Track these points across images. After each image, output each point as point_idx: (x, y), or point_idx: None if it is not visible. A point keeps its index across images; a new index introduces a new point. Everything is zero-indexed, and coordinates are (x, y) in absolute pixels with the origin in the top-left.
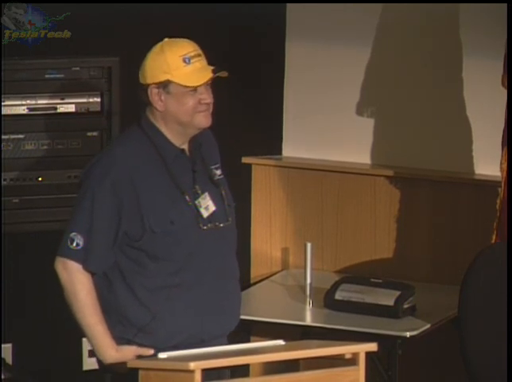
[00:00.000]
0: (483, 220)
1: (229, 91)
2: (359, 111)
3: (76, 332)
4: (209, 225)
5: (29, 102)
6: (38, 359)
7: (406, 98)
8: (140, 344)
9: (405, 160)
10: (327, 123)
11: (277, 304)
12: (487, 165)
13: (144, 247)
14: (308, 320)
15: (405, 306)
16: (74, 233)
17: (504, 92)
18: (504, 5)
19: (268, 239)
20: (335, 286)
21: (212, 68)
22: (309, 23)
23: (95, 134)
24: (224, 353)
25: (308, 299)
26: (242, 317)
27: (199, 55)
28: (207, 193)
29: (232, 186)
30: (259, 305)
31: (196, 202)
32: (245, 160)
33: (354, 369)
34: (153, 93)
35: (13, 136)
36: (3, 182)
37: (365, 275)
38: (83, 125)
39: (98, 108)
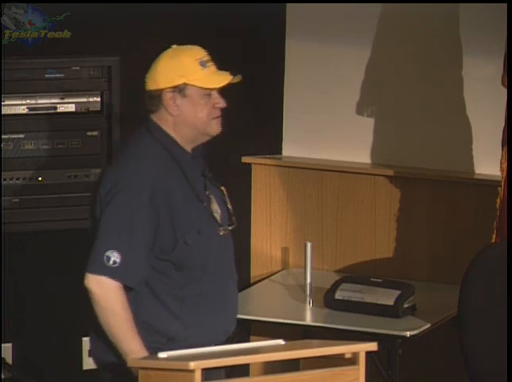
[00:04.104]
0: (483, 219)
1: (229, 91)
2: (359, 111)
3: (76, 332)
4: (222, 230)
5: (29, 101)
6: (38, 359)
7: (406, 97)
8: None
9: (405, 160)
10: (327, 123)
11: (277, 303)
12: (487, 164)
13: (173, 259)
14: (308, 319)
15: (405, 306)
16: (110, 250)
17: (504, 92)
18: (504, 5)
19: (268, 238)
20: (335, 286)
21: (226, 72)
22: (309, 23)
23: (94, 133)
24: (224, 353)
25: (308, 299)
26: (242, 316)
27: (211, 60)
28: (213, 197)
29: (232, 186)
30: (259, 305)
31: (211, 208)
32: (245, 160)
33: (354, 369)
34: (168, 97)
35: (13, 136)
36: (3, 182)
37: (365, 275)
38: (83, 125)
39: (98, 108)
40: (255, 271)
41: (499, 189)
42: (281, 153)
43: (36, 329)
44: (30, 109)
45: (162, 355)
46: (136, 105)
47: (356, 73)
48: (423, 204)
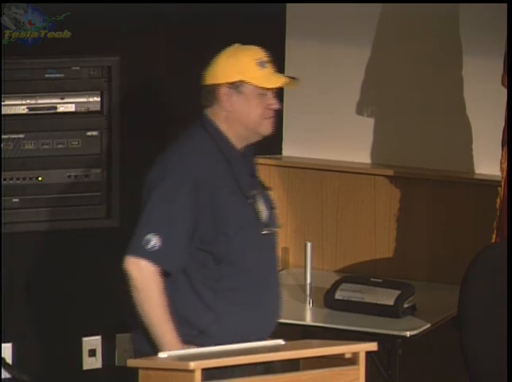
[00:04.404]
0: (483, 219)
1: None
2: (359, 111)
3: (76, 332)
4: (266, 230)
5: (29, 101)
6: (38, 359)
7: (406, 97)
8: (200, 346)
9: (405, 160)
10: (327, 123)
11: None
12: (487, 164)
13: (213, 250)
14: (308, 319)
15: (405, 306)
16: (151, 234)
17: (504, 92)
18: (504, 5)
19: None
20: (335, 286)
21: (283, 75)
22: (309, 23)
23: (94, 133)
24: (224, 353)
25: (308, 299)
26: None
27: (270, 62)
28: (259, 197)
29: None
30: None
31: (256, 207)
32: None
33: (354, 369)
34: (223, 93)
35: (13, 136)
36: (3, 182)
37: (365, 275)
38: (83, 124)
39: (98, 108)
40: None
41: (499, 189)
42: (281, 153)
43: (36, 329)
44: (30, 109)
45: (162, 355)
46: (135, 104)
47: (356, 73)
48: (423, 204)
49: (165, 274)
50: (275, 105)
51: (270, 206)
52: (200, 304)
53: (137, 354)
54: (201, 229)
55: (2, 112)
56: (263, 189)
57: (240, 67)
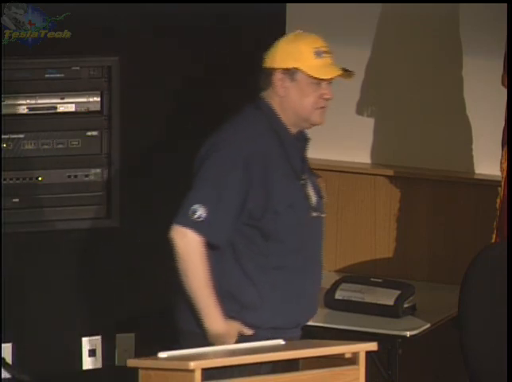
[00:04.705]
0: (483, 219)
1: (229, 91)
2: (359, 111)
3: (76, 332)
4: (315, 214)
5: (29, 101)
6: (38, 359)
7: (406, 97)
8: (243, 321)
9: (405, 160)
10: (327, 123)
11: None
12: (487, 164)
13: (261, 227)
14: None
15: (405, 306)
16: (198, 204)
17: (504, 92)
18: (504, 5)
19: None
20: (335, 286)
21: (341, 67)
22: (309, 23)
23: (94, 133)
24: (224, 353)
25: None
26: None
27: (329, 52)
28: (309, 182)
29: None
30: None
31: (306, 190)
32: None
33: (354, 369)
34: (278, 78)
35: (13, 136)
36: (3, 182)
37: (365, 275)
38: (83, 124)
39: (98, 108)
40: None
41: (499, 188)
42: None
43: (36, 329)
44: (30, 109)
45: (162, 355)
46: (136, 105)
47: (356, 73)
48: (423, 204)
49: (211, 248)
50: (328, 95)
51: (319, 193)
52: (245, 279)
53: (182, 333)
54: (250, 205)
55: (2, 112)
56: (313, 175)
57: (297, 54)
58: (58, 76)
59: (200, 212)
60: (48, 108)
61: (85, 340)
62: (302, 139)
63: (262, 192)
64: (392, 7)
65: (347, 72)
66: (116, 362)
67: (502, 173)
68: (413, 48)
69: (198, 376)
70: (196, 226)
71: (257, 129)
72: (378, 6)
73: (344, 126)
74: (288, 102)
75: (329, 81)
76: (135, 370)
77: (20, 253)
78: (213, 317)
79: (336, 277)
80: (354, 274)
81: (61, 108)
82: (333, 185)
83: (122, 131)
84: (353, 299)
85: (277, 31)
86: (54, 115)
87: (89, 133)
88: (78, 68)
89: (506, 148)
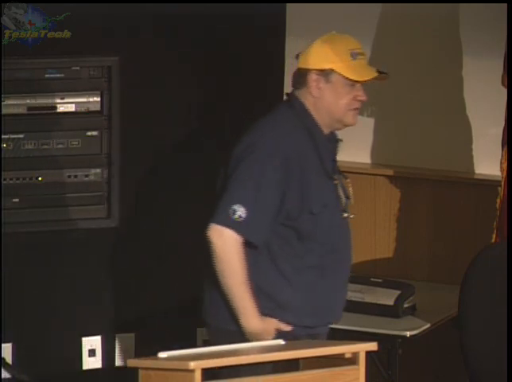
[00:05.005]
0: (483, 219)
1: (229, 91)
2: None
3: (76, 332)
4: (345, 215)
5: (28, 101)
6: (38, 359)
7: (406, 97)
8: (278, 319)
9: (405, 160)
10: None
11: None
12: (487, 164)
13: (297, 227)
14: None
15: (405, 306)
16: (237, 205)
17: (504, 92)
18: (504, 5)
19: None
20: None
21: (375, 69)
22: (309, 23)
23: (94, 133)
24: (224, 353)
25: None
26: None
27: (364, 54)
28: (339, 183)
29: None
30: None
31: (337, 190)
32: None
33: (354, 369)
34: (312, 79)
35: (13, 136)
36: (3, 182)
37: (365, 275)
38: (83, 124)
39: (98, 108)
40: None
41: (499, 188)
42: None
43: (36, 329)
44: (30, 109)
45: (162, 355)
46: (136, 105)
47: None
48: (423, 204)
49: (248, 247)
50: (362, 97)
51: (346, 194)
52: (280, 279)
53: (213, 330)
54: (288, 205)
55: (2, 112)
56: (341, 176)
57: (332, 56)
58: (58, 75)
59: (240, 212)
60: (48, 108)
61: (85, 340)
62: (333, 140)
63: (299, 193)
64: (392, 7)
65: (381, 74)
66: (116, 362)
67: (502, 173)
68: (413, 48)
69: (198, 376)
70: (235, 225)
71: (292, 129)
72: (378, 6)
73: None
74: (322, 103)
75: (363, 83)
76: (135, 370)
77: (20, 253)
78: (250, 315)
79: None
80: (354, 274)
81: (61, 108)
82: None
83: (122, 131)
84: (353, 299)
85: (277, 31)
86: (54, 115)
87: (89, 133)
88: (78, 68)
89: (506, 148)
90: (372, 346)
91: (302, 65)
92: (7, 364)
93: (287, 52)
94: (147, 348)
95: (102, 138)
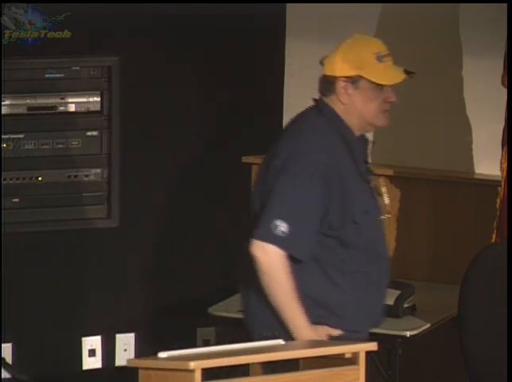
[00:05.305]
0: (483, 219)
1: (229, 91)
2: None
3: (76, 332)
4: (382, 216)
5: (28, 101)
6: (38, 359)
7: (406, 97)
8: (330, 325)
9: (405, 160)
10: None
11: None
12: (487, 164)
13: (341, 236)
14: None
15: (405, 306)
16: (279, 220)
17: (504, 92)
18: (504, 5)
19: None
20: None
21: (402, 68)
22: (309, 23)
23: (94, 133)
24: (224, 353)
25: None
26: (242, 316)
27: (389, 54)
28: (374, 185)
29: (232, 186)
30: None
31: (373, 192)
32: (245, 159)
33: (354, 369)
34: (340, 86)
35: (13, 136)
36: (3, 182)
37: None
38: (83, 124)
39: (98, 108)
40: None
41: (499, 188)
42: None
43: (36, 329)
44: (30, 109)
45: (162, 355)
46: (135, 105)
47: None
48: (423, 204)
49: (293, 260)
50: (392, 98)
51: (378, 193)
52: (328, 284)
53: (257, 337)
54: (330, 216)
55: (2, 112)
56: (374, 175)
57: (358, 62)
58: (58, 75)
59: (282, 227)
60: (48, 108)
61: (85, 340)
62: (364, 141)
63: (340, 203)
64: (392, 7)
65: (409, 74)
66: (116, 362)
67: (502, 173)
68: (412, 48)
69: (198, 376)
70: (278, 241)
71: (327, 138)
72: (378, 6)
73: None
74: (352, 108)
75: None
76: (135, 370)
77: (20, 253)
78: (302, 326)
79: None
80: None
81: (61, 108)
82: None
83: (122, 131)
84: None
85: (277, 31)
86: (54, 115)
87: (89, 133)
88: (78, 68)
89: (506, 148)
90: (372, 346)
91: (328, 73)
92: (7, 364)
93: (287, 52)
94: (147, 348)
95: (102, 138)
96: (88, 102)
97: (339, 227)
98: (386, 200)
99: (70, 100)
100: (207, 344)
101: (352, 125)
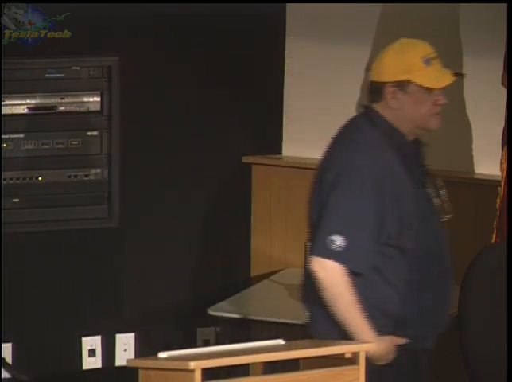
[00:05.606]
0: (483, 219)
1: (229, 91)
2: (359, 111)
3: (76, 331)
4: (442, 219)
5: (28, 101)
6: (38, 359)
7: None
8: (397, 336)
9: None
10: (327, 122)
11: (276, 303)
12: (487, 164)
13: (399, 244)
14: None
15: None
16: (334, 234)
17: (504, 92)
18: (504, 5)
19: (268, 238)
20: None
21: (450, 70)
22: (309, 23)
23: (94, 133)
24: (224, 353)
25: None
26: (242, 316)
27: (437, 57)
28: (432, 187)
29: (232, 185)
30: (259, 305)
31: (430, 195)
32: (245, 159)
33: (354, 369)
34: (389, 91)
35: (13, 135)
36: (3, 182)
37: None
38: (83, 124)
39: (98, 108)
40: (255, 271)
41: (499, 188)
42: (280, 153)
43: (36, 329)
44: (30, 109)
45: (162, 355)
46: (135, 105)
47: (356, 73)
48: None
49: (354, 273)
50: (442, 101)
51: (439, 194)
52: (395, 295)
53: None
54: (387, 226)
55: (2, 112)
56: (431, 177)
57: (406, 66)
58: (58, 76)
59: (339, 241)
60: (48, 108)
61: (85, 340)
62: (418, 145)
63: (395, 211)
64: (392, 7)
65: (458, 76)
66: (116, 362)
67: (502, 173)
68: None
69: (198, 376)
70: (337, 256)
71: (377, 146)
72: (378, 6)
73: None
74: (402, 113)
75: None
76: (135, 370)
77: (20, 253)
78: (368, 339)
79: None
80: None
81: (61, 108)
82: None
83: (122, 131)
84: None
85: (277, 31)
86: (54, 115)
87: (89, 133)
88: (78, 68)
89: (506, 148)
90: (371, 346)
91: (376, 79)
92: (7, 364)
93: (287, 52)
94: (147, 348)
95: (102, 138)
96: (88, 102)
97: (396, 235)
98: (445, 200)
99: (70, 100)
100: (207, 344)
101: (404, 130)
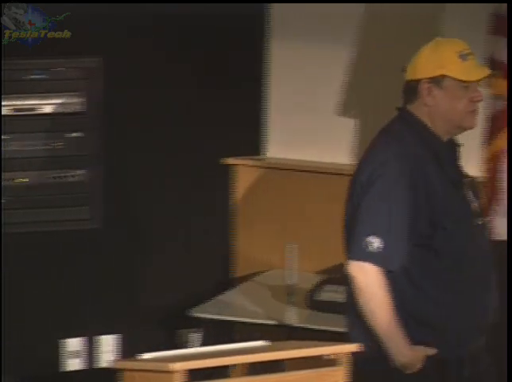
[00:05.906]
0: None
1: (213, 92)
2: (345, 112)
3: (60, 333)
4: (479, 221)
5: (13, 103)
6: (20, 360)
7: (392, 97)
8: (426, 343)
9: None
10: (311, 124)
11: (260, 305)
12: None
13: (432, 245)
14: (293, 321)
15: None
16: (372, 236)
17: (485, 93)
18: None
19: (251, 239)
20: (319, 287)
21: (486, 66)
22: (293, 23)
23: (79, 134)
24: (208, 354)
25: (292, 300)
26: (226, 318)
27: (472, 53)
28: (468, 188)
29: (215, 187)
30: (242, 306)
31: (467, 197)
32: (228, 161)
33: (338, 370)
34: (424, 88)
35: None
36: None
37: None
38: (68, 125)
39: (83, 109)
40: (239, 272)
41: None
42: (264, 154)
43: (19, 330)
44: (14, 110)
45: (146, 356)
46: (118, 106)
47: (341, 74)
48: None
49: (387, 274)
50: (479, 97)
51: (477, 196)
52: (427, 300)
53: (361, 357)
54: (420, 226)
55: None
56: (468, 178)
57: (441, 61)
58: (42, 77)
59: (376, 243)
60: (32, 109)
61: (69, 341)
62: (453, 146)
63: (430, 211)
64: (377, 7)
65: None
66: (100, 364)
67: (486, 174)
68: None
69: (180, 377)
70: (373, 257)
71: (413, 148)
72: (364, 7)
73: (330, 127)
74: (438, 110)
75: (477, 83)
76: (120, 371)
77: (3, 254)
78: (400, 345)
79: (321, 278)
80: (338, 276)
81: (46, 109)
82: (317, 186)
83: (107, 132)
84: (338, 300)
85: (260, 31)
86: (38, 116)
87: (74, 134)
88: (62, 69)
89: (488, 147)
90: (355, 347)
91: (411, 77)
92: None
93: (271, 51)
94: (133, 350)
95: (87, 139)
96: (73, 103)
97: (429, 235)
98: (482, 203)
99: (54, 101)
100: (191, 345)
101: (439, 130)
